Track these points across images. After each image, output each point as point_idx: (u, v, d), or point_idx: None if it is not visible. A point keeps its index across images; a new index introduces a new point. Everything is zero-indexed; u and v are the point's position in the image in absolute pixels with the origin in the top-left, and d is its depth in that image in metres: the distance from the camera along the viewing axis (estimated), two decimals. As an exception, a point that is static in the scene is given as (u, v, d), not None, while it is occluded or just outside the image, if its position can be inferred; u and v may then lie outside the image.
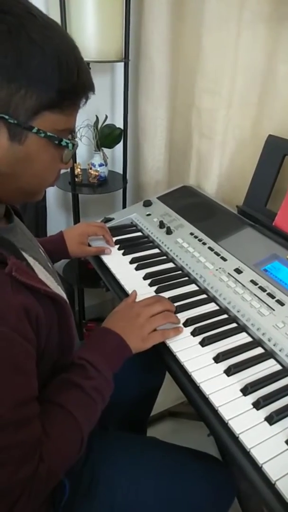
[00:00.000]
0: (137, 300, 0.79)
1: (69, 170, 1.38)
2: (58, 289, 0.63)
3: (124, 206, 1.56)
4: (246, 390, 0.62)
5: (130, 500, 0.68)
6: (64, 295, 0.63)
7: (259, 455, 0.54)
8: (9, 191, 0.54)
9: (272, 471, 0.52)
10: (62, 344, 0.58)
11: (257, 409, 0.60)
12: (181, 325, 0.75)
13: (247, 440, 0.55)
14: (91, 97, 0.54)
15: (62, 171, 0.61)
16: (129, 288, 0.87)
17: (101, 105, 1.50)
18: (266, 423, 0.58)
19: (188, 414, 1.47)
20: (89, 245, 1.03)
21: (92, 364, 0.61)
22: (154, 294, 0.85)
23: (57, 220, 1.65)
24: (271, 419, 0.57)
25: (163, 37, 1.26)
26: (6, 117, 0.46)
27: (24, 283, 0.49)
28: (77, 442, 0.55)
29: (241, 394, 0.62)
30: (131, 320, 0.71)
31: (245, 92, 1.08)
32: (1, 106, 0.45)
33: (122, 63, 1.32)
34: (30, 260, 0.58)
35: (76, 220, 1.51)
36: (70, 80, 0.49)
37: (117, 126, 1.45)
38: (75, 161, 1.47)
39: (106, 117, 1.44)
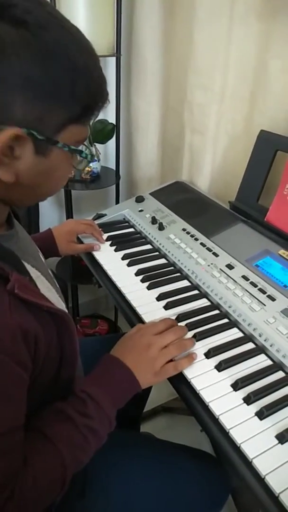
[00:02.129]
0: (146, 320, 0.75)
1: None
2: (60, 302, 0.59)
3: (117, 202, 1.55)
4: (237, 385, 0.62)
5: (123, 500, 0.68)
6: (64, 307, 0.60)
7: (249, 450, 0.54)
8: (25, 197, 0.53)
9: (262, 465, 0.52)
10: (63, 359, 0.55)
11: (248, 404, 0.60)
12: (194, 351, 0.69)
13: (237, 435, 0.55)
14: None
15: None
16: (121, 285, 0.87)
17: (93, 100, 1.49)
18: (256, 418, 0.58)
19: (182, 409, 1.48)
20: (80, 241, 1.03)
21: (93, 399, 0.56)
22: (146, 290, 0.85)
23: (49, 216, 1.64)
24: (262, 414, 0.58)
25: (155, 32, 1.25)
26: (35, 133, 0.44)
27: (26, 301, 0.47)
28: (57, 482, 0.50)
29: (231, 389, 0.62)
30: (142, 351, 0.65)
31: (237, 87, 1.08)
32: (31, 122, 0.43)
33: (114, 58, 1.31)
34: (33, 272, 0.56)
35: (69, 216, 1.50)
36: (93, 94, 0.47)
37: (110, 121, 1.44)
38: (67, 156, 1.47)
39: (98, 112, 1.42)
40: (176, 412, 1.49)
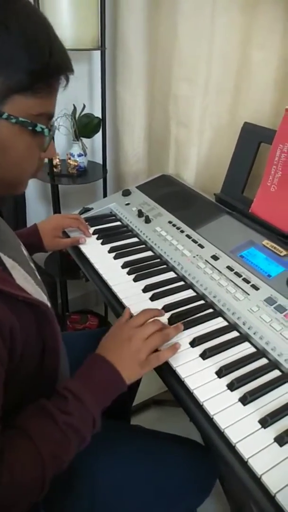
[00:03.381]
0: (131, 308, 0.74)
1: (47, 160, 1.36)
2: (39, 292, 0.58)
3: (104, 196, 1.55)
4: (221, 372, 0.63)
5: (111, 489, 0.68)
6: (45, 298, 0.59)
7: (233, 435, 0.55)
8: None
9: (245, 449, 0.53)
10: (45, 350, 0.54)
11: (232, 391, 0.61)
12: (179, 340, 0.69)
13: (221, 421, 0.56)
14: (70, 79, 0.51)
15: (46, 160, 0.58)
16: (107, 277, 0.87)
17: (78, 94, 1.48)
18: (240, 403, 0.59)
19: (172, 401, 1.49)
20: (67, 235, 1.03)
21: (75, 396, 0.54)
22: (132, 282, 0.86)
23: (36, 212, 1.63)
24: (245, 400, 0.59)
25: (139, 24, 1.25)
26: None
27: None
28: (37, 480, 0.48)
29: (216, 376, 0.63)
30: (124, 345, 0.64)
31: (221, 79, 1.08)
32: None
33: (99, 52, 1.31)
34: (8, 262, 0.54)
35: (57, 211, 1.50)
36: (41, 60, 0.45)
37: (96, 115, 1.44)
38: (53, 151, 1.46)
39: (84, 106, 1.42)
40: (167, 404, 1.51)
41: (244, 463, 0.52)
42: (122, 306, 0.80)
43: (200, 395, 0.60)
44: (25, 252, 0.69)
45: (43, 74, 0.46)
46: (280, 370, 0.65)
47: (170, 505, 0.73)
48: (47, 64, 0.46)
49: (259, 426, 0.56)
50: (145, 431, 0.81)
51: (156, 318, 0.70)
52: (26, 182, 0.56)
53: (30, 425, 0.51)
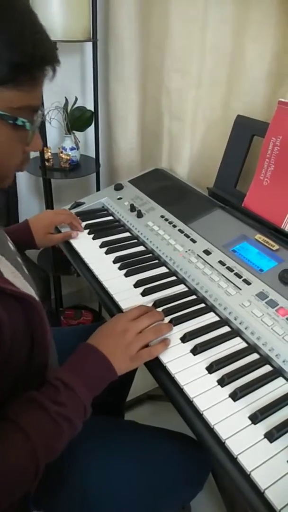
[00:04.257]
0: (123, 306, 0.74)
1: (38, 154, 1.35)
2: (26, 287, 0.58)
3: (97, 191, 1.54)
4: (212, 368, 0.62)
5: (102, 483, 0.68)
6: (33, 292, 0.58)
7: (223, 431, 0.54)
8: None
9: (234, 446, 0.52)
10: (35, 344, 0.54)
11: (222, 386, 0.60)
12: (168, 337, 0.69)
13: (211, 417, 0.56)
14: (57, 71, 0.49)
15: (33, 154, 0.56)
16: (98, 273, 0.86)
17: (70, 87, 1.46)
18: (230, 399, 0.58)
19: (166, 396, 1.49)
20: (58, 230, 1.02)
21: (67, 386, 0.55)
22: (123, 277, 0.85)
23: (29, 206, 1.62)
24: (235, 396, 0.58)
25: (131, 15, 1.23)
26: None
27: None
28: (30, 471, 0.49)
29: (206, 372, 0.63)
30: (117, 337, 0.64)
31: (213, 72, 1.07)
32: None
33: (91, 43, 1.29)
34: None
35: (49, 206, 1.48)
36: (23, 50, 0.44)
37: (88, 108, 1.42)
38: (45, 145, 1.44)
39: (76, 99, 1.40)
40: (161, 399, 1.50)
41: (233, 460, 0.52)
42: (113, 301, 0.79)
43: (190, 391, 0.59)
44: (12, 247, 0.68)
45: (26, 66, 0.45)
46: (271, 365, 0.64)
47: (162, 499, 0.73)
48: (30, 55, 0.45)
49: (249, 422, 0.55)
50: (138, 426, 0.81)
51: (150, 312, 0.70)
52: (10, 176, 0.55)
53: (22, 416, 0.51)
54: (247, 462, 0.51)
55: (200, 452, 0.78)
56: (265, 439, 0.53)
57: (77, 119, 1.41)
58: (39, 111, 0.52)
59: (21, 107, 0.47)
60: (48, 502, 0.71)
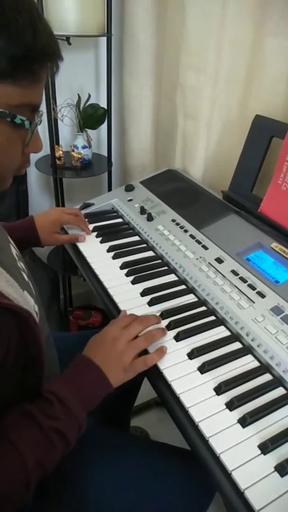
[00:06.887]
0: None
1: (49, 152, 1.31)
2: (24, 298, 0.54)
3: (109, 190, 1.50)
4: (220, 389, 0.58)
5: (99, 497, 0.64)
6: (30, 302, 0.56)
7: (229, 461, 0.50)
8: None
9: (241, 478, 0.48)
10: (28, 356, 0.52)
11: (230, 410, 0.56)
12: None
13: (217, 445, 0.51)
14: (59, 67, 0.47)
15: (44, 152, 0.53)
16: (104, 279, 0.83)
17: (83, 83, 1.42)
18: (238, 425, 0.54)
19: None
20: (65, 231, 0.98)
21: (61, 400, 0.53)
22: (130, 285, 0.81)
23: (39, 205, 1.59)
24: (244, 422, 0.54)
25: (147, 10, 1.18)
26: None
27: None
28: (20, 486, 0.47)
29: (214, 393, 0.58)
30: (108, 347, 0.61)
31: (231, 69, 1.01)
32: None
33: (105, 38, 1.25)
34: None
35: (60, 205, 1.46)
36: (22, 44, 0.41)
37: (101, 105, 1.38)
38: (57, 143, 1.41)
39: (89, 96, 1.36)
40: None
41: (240, 494, 0.48)
42: (118, 310, 0.76)
43: (196, 414, 0.55)
44: (13, 252, 0.64)
45: (25, 59, 0.42)
46: (285, 388, 0.59)
47: None
48: (29, 48, 0.41)
49: (259, 452, 0.51)
50: (137, 438, 0.77)
51: (141, 316, 0.67)
52: (8, 178, 0.52)
53: (13, 431, 0.49)
54: (255, 498, 0.47)
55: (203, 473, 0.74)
56: (276, 472, 0.49)
57: (90, 117, 1.37)
58: (40, 110, 0.49)
59: (21, 105, 0.45)
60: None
